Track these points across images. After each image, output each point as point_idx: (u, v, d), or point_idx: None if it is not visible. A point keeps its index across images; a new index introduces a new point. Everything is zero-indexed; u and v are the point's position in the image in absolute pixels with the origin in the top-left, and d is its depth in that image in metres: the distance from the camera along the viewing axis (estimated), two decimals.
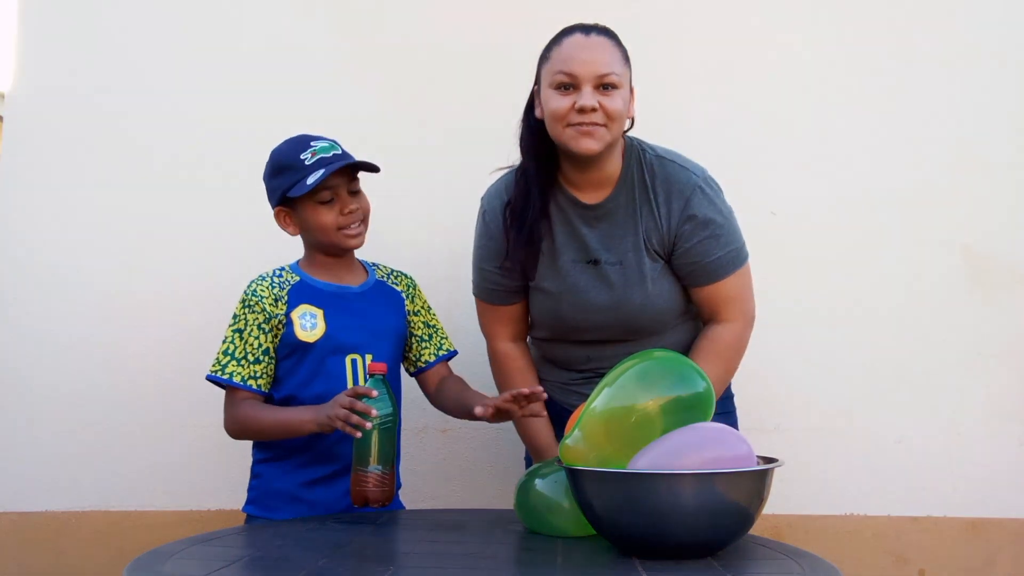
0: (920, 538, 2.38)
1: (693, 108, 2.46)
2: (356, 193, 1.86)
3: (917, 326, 2.41)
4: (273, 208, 1.89)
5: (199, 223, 2.46)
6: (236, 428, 1.81)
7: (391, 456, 1.65)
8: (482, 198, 1.93)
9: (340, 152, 1.84)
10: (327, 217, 1.82)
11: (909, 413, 2.40)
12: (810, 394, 2.41)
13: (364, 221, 1.87)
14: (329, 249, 1.87)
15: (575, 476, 1.39)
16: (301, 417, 1.72)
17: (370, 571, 1.25)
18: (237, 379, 1.79)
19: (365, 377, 1.81)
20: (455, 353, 1.99)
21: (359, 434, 1.58)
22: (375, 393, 1.61)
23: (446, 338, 1.99)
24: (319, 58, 2.49)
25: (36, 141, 2.48)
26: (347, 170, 1.82)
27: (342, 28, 2.51)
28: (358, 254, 1.96)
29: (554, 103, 1.73)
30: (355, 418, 1.57)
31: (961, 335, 2.41)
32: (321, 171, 1.78)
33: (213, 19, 2.51)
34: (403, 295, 1.94)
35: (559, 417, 1.95)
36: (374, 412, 1.58)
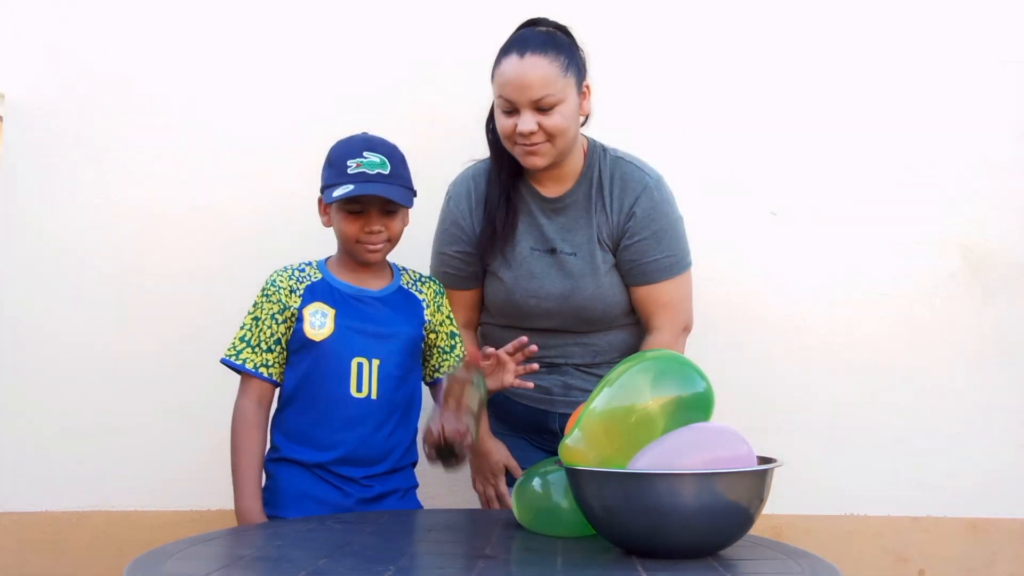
0: (920, 538, 2.38)
1: (692, 108, 2.45)
2: (392, 214, 1.83)
3: (917, 326, 2.41)
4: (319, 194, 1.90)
5: (200, 223, 2.46)
6: (233, 424, 1.84)
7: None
8: (449, 185, 2.01)
9: (387, 172, 1.79)
10: (350, 228, 1.82)
11: (909, 413, 2.40)
12: (810, 394, 2.41)
13: (390, 241, 1.85)
14: (348, 255, 1.89)
15: (575, 476, 1.39)
16: (244, 497, 1.81)
17: (370, 571, 1.25)
18: (249, 366, 1.83)
19: (369, 382, 1.81)
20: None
21: None
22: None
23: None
24: (320, 57, 2.50)
25: (36, 141, 2.48)
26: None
27: (345, 25, 2.51)
28: (390, 257, 1.96)
29: (500, 123, 1.83)
30: None
31: (961, 335, 2.41)
32: (348, 188, 1.76)
33: (214, 19, 2.51)
34: (424, 303, 1.92)
35: (509, 410, 1.97)
36: None
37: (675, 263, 1.90)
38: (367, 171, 1.78)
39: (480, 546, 1.45)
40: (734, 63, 2.48)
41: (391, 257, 1.98)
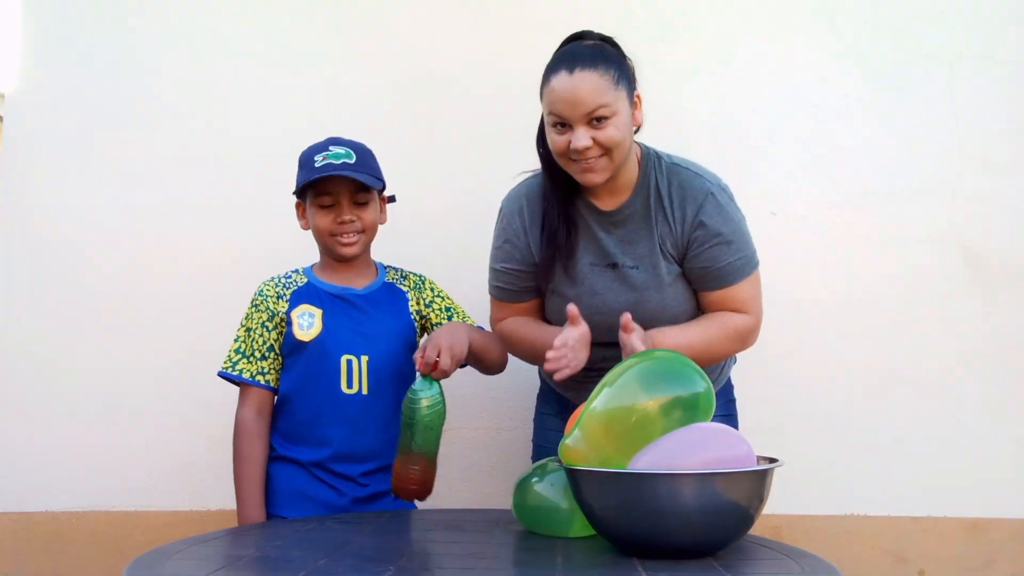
0: (920, 538, 2.38)
1: (693, 108, 2.46)
2: (362, 205, 1.87)
3: (917, 326, 2.41)
4: (296, 200, 1.95)
5: (200, 224, 2.46)
6: (234, 435, 1.88)
7: (433, 450, 1.72)
8: (503, 200, 1.95)
9: (352, 162, 1.84)
10: (323, 221, 1.87)
11: (909, 413, 2.40)
12: (810, 394, 2.41)
13: (364, 232, 1.89)
14: (327, 252, 1.91)
15: (575, 476, 1.39)
16: (248, 507, 1.84)
17: (370, 571, 1.25)
18: (246, 375, 1.87)
19: (360, 378, 1.85)
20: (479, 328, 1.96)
21: None
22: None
23: (466, 317, 1.99)
24: (320, 56, 2.50)
25: (36, 141, 2.48)
26: (352, 180, 1.84)
27: (345, 27, 2.51)
28: (377, 256, 1.99)
29: (553, 141, 1.77)
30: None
31: (961, 335, 2.41)
32: (314, 176, 1.82)
33: (214, 20, 2.51)
34: (408, 295, 1.96)
35: (569, 413, 1.95)
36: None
37: (746, 263, 1.84)
38: (333, 162, 1.83)
39: (480, 546, 1.45)
40: (733, 63, 2.48)
41: (377, 255, 1.99)
